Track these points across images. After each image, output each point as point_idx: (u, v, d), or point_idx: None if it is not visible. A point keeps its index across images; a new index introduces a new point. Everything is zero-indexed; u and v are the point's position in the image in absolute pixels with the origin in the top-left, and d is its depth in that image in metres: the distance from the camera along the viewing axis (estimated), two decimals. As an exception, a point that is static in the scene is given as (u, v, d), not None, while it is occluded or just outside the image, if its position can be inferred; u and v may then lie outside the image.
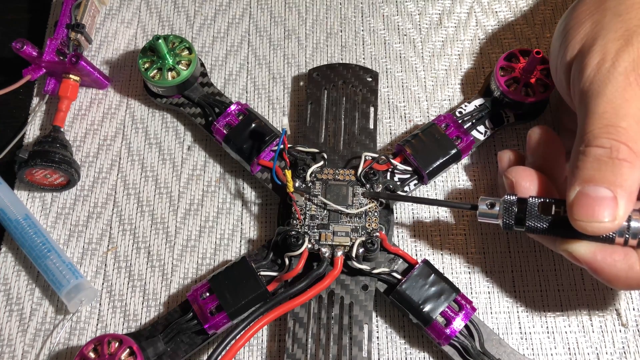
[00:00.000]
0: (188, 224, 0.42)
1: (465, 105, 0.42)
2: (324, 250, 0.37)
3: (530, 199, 0.32)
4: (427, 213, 0.42)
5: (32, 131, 0.45)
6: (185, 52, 0.43)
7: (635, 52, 0.31)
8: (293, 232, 0.37)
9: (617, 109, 0.30)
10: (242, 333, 0.34)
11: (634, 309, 0.39)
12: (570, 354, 0.38)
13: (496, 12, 0.49)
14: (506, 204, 0.33)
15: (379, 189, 0.39)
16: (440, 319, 0.36)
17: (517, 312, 0.39)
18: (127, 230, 0.42)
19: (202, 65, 0.45)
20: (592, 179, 0.29)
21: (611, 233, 0.30)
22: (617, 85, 0.30)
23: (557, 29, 0.37)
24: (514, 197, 0.33)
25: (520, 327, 0.39)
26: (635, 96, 0.30)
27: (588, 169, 0.30)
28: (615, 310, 0.39)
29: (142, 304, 0.40)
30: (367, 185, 0.39)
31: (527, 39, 0.47)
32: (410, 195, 0.40)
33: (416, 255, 0.41)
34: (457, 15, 0.49)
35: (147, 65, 0.43)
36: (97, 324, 0.39)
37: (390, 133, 0.45)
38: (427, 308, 0.36)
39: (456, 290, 0.37)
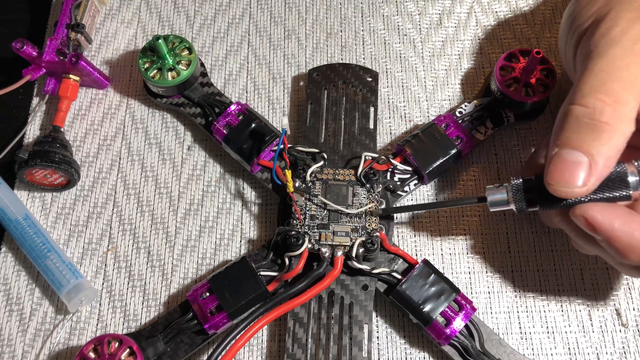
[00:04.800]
0: (188, 224, 0.42)
1: (465, 105, 0.42)
2: (324, 250, 0.37)
3: (535, 177, 0.32)
4: (427, 213, 0.42)
5: (32, 131, 0.45)
6: (185, 52, 0.43)
7: None
8: (293, 232, 0.37)
9: (613, 70, 0.29)
10: (242, 333, 0.34)
11: (634, 309, 0.39)
12: (570, 354, 0.38)
13: (496, 12, 0.49)
14: (514, 188, 0.33)
15: (379, 189, 0.39)
16: (440, 319, 0.36)
17: (517, 312, 0.39)
18: (127, 230, 0.42)
19: (202, 65, 0.45)
20: (570, 142, 0.29)
21: (626, 190, 0.30)
22: (622, 48, 0.30)
23: (569, 8, 0.36)
24: (519, 180, 0.33)
25: (520, 327, 0.39)
26: (635, 63, 0.29)
27: (567, 130, 0.29)
28: (615, 310, 0.39)
29: (142, 304, 0.40)
30: (367, 185, 0.39)
31: (527, 39, 0.47)
32: (413, 204, 0.41)
33: (416, 255, 0.41)
34: (457, 15, 0.49)
35: (147, 65, 0.43)
36: (97, 324, 0.39)
37: (390, 133, 0.45)
38: (427, 308, 0.36)
39: (456, 290, 0.37)
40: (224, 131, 0.41)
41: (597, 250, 0.33)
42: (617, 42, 0.30)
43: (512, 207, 0.33)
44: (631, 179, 0.30)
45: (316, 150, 0.40)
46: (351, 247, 0.37)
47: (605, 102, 0.29)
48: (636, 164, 0.30)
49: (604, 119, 0.29)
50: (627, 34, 0.30)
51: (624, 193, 0.30)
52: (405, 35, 0.48)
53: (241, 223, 0.42)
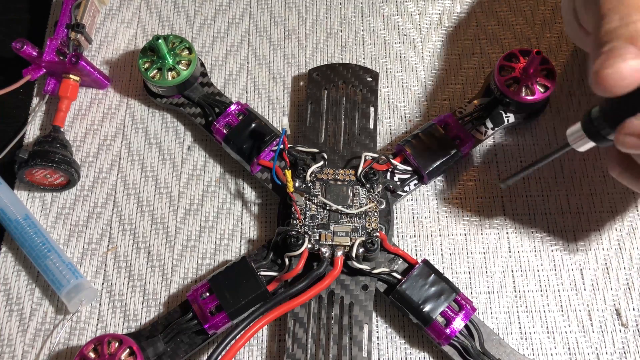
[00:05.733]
0: (188, 224, 0.42)
1: (465, 105, 0.42)
2: (324, 250, 0.37)
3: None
4: (427, 213, 0.42)
5: (32, 131, 0.45)
6: (185, 52, 0.43)
7: None
8: (293, 232, 0.37)
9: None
10: (242, 333, 0.34)
11: (634, 309, 0.39)
12: (570, 354, 0.38)
13: (496, 12, 0.49)
14: (584, 117, 0.31)
15: (379, 189, 0.39)
16: (440, 319, 0.36)
17: (517, 312, 0.39)
18: (127, 230, 0.42)
19: (202, 65, 0.45)
20: (611, 44, 0.27)
21: None
22: None
23: None
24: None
25: (520, 327, 0.39)
26: None
27: (606, 40, 0.28)
28: (615, 310, 0.39)
29: (142, 304, 0.40)
30: (367, 185, 0.39)
31: (527, 39, 0.47)
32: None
33: (416, 255, 0.41)
34: (457, 15, 0.49)
35: (147, 65, 0.43)
36: (97, 324, 0.39)
37: (390, 133, 0.45)
38: (427, 308, 0.36)
39: (456, 290, 0.37)
40: (224, 131, 0.41)
41: None
42: None
43: (584, 135, 0.31)
44: None
45: (316, 150, 0.40)
46: (351, 247, 0.37)
47: (628, 10, 0.28)
48: None
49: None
50: None
51: None
52: (405, 35, 0.48)
53: (241, 223, 0.42)
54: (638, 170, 0.31)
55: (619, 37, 0.27)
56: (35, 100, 0.47)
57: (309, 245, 0.37)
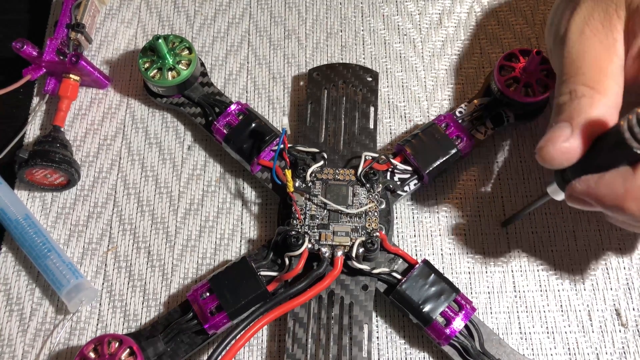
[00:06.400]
0: (188, 224, 0.42)
1: (465, 105, 0.42)
2: (324, 250, 0.37)
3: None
4: (427, 213, 0.42)
5: (32, 131, 0.45)
6: (185, 52, 0.43)
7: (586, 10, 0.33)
8: (293, 232, 0.37)
9: (579, 56, 0.32)
10: (242, 333, 0.34)
11: (634, 309, 0.39)
12: (570, 354, 0.38)
13: (496, 12, 0.49)
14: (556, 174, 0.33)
15: (379, 189, 0.39)
16: (440, 319, 0.36)
17: (517, 312, 0.39)
18: (127, 230, 0.42)
19: (202, 65, 0.45)
20: (557, 120, 0.31)
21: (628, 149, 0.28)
22: (576, 36, 0.33)
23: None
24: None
25: (520, 327, 0.39)
26: (591, 45, 0.32)
27: (555, 114, 0.32)
28: (615, 310, 0.39)
29: (142, 304, 0.40)
30: (367, 185, 0.39)
31: (527, 39, 0.47)
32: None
33: (416, 255, 0.41)
34: (457, 15, 0.49)
35: (147, 65, 0.43)
36: (97, 324, 0.39)
37: (390, 133, 0.45)
38: (427, 308, 0.36)
39: (456, 290, 0.37)
40: (224, 131, 0.41)
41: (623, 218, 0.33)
42: (573, 32, 0.33)
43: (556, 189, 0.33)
44: (627, 134, 0.28)
45: (316, 150, 0.40)
46: (351, 247, 0.37)
47: (578, 83, 0.31)
48: (626, 119, 0.28)
49: (579, 94, 0.31)
50: (574, 22, 0.33)
51: (627, 151, 0.28)
52: (405, 35, 0.48)
53: (241, 223, 0.42)
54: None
55: (563, 113, 0.31)
56: (35, 100, 0.47)
57: (309, 245, 0.37)
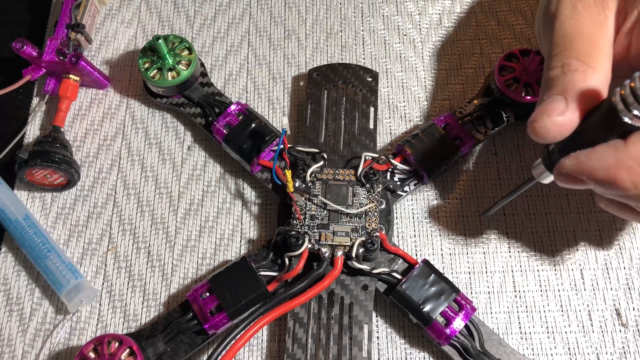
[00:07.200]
0: (188, 224, 0.42)
1: (465, 105, 0.42)
2: (324, 250, 0.37)
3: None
4: (427, 213, 0.42)
5: (32, 131, 0.45)
6: (185, 52, 0.43)
7: None
8: (293, 232, 0.37)
9: (572, 30, 0.32)
10: (242, 333, 0.34)
11: (634, 309, 0.39)
12: (570, 354, 0.38)
13: (496, 12, 0.49)
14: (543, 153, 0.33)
15: (379, 189, 0.39)
16: (440, 319, 0.36)
17: (517, 312, 0.39)
18: (127, 230, 0.42)
19: (202, 65, 0.45)
20: (549, 94, 0.31)
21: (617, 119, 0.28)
22: (569, 11, 0.33)
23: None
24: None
25: (520, 327, 0.39)
26: (584, 20, 0.32)
27: (546, 88, 0.32)
28: (615, 310, 0.39)
29: (142, 304, 0.40)
30: (367, 185, 0.39)
31: (527, 39, 0.47)
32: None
33: (416, 255, 0.41)
34: (457, 15, 0.49)
35: (147, 65, 0.43)
36: (97, 324, 0.39)
37: (390, 133, 0.45)
38: (427, 308, 0.36)
39: (456, 290, 0.37)
40: (224, 131, 0.41)
41: (613, 206, 0.34)
42: (565, 6, 0.33)
43: (542, 169, 0.33)
44: (620, 106, 0.28)
45: (316, 150, 0.40)
46: (351, 247, 0.37)
47: (571, 56, 0.31)
48: (618, 92, 0.28)
49: (573, 68, 0.31)
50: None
51: (619, 121, 0.28)
52: (405, 35, 0.48)
53: (241, 223, 0.42)
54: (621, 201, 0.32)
55: (556, 86, 0.31)
56: (35, 100, 0.47)
57: (309, 245, 0.37)
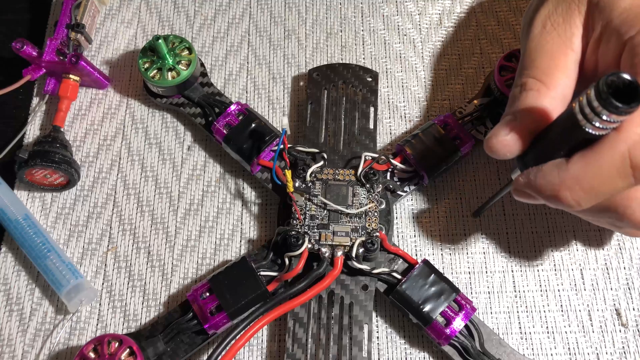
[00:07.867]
0: (188, 224, 0.42)
1: (465, 105, 0.42)
2: (324, 250, 0.37)
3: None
4: (427, 213, 0.42)
5: (32, 131, 0.45)
6: (185, 52, 0.43)
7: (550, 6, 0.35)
8: (293, 232, 0.37)
9: (536, 49, 0.34)
10: (242, 333, 0.34)
11: (634, 309, 0.39)
12: (570, 354, 0.38)
13: (496, 12, 0.49)
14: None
15: (379, 189, 0.39)
16: (440, 319, 0.36)
17: (517, 312, 0.39)
18: (127, 230, 0.42)
19: (202, 65, 0.45)
20: (506, 112, 0.32)
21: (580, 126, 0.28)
22: (538, 29, 0.34)
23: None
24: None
25: (520, 327, 0.39)
26: (549, 38, 0.33)
27: (507, 106, 0.33)
28: (615, 310, 0.39)
29: (142, 304, 0.40)
30: (367, 185, 0.39)
31: (527, 39, 0.47)
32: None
33: (416, 255, 0.41)
34: (457, 15, 0.49)
35: (147, 65, 0.43)
36: (97, 324, 0.39)
37: (390, 133, 0.45)
38: (427, 308, 0.36)
39: (456, 290, 0.37)
40: (224, 131, 0.41)
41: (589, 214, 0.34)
42: (535, 26, 0.34)
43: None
44: (579, 116, 0.28)
45: (316, 150, 0.40)
46: (351, 247, 0.37)
47: (529, 75, 0.32)
48: (577, 101, 0.28)
49: (528, 87, 0.32)
50: (538, 19, 0.34)
51: (580, 129, 0.28)
52: (405, 35, 0.48)
53: (241, 223, 0.42)
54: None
55: (511, 105, 0.32)
56: (35, 100, 0.47)
57: (309, 245, 0.37)
